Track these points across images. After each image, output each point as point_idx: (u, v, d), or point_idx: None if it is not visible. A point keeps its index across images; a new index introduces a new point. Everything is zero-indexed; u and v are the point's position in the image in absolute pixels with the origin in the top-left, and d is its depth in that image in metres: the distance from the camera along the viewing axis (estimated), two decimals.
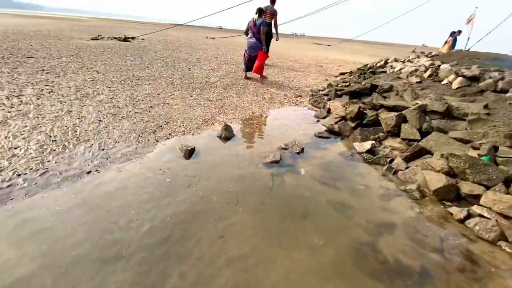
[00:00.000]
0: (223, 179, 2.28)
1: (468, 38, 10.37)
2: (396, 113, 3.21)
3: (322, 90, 5.68)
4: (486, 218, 1.90)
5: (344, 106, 4.32)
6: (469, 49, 8.78)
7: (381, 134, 3.21)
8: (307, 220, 1.89)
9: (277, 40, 6.08)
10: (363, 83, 4.69)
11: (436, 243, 1.78)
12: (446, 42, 9.41)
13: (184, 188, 2.11)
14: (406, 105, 3.51)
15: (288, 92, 5.36)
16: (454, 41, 9.18)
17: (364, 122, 3.61)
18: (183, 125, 3.25)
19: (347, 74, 7.24)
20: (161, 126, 3.15)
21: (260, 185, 2.26)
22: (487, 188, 2.09)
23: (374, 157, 2.82)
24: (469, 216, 1.95)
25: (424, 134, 3.00)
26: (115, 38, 10.47)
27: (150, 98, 4.05)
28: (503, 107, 3.07)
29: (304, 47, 17.59)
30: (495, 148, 2.44)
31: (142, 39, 11.33)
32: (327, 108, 4.38)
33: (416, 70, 4.93)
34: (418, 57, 6.44)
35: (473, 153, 2.51)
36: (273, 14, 5.66)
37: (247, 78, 5.75)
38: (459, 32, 9.27)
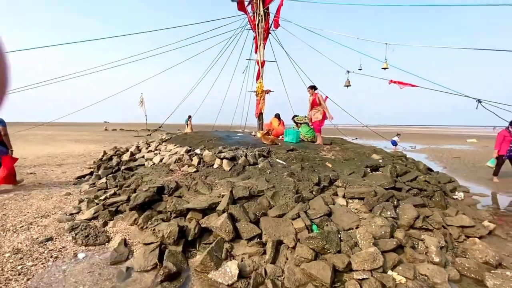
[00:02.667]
0: None
1: (146, 115, 14.95)
2: (225, 216, 2.95)
3: (78, 213, 3.86)
4: (367, 278, 2.27)
5: (145, 227, 3.22)
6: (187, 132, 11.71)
7: (226, 245, 2.75)
8: None
9: None
10: (144, 189, 3.82)
11: None
12: (187, 124, 12.54)
13: None
14: (216, 200, 3.39)
15: (16, 240, 2.94)
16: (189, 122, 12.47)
17: (189, 239, 2.92)
18: None
19: (91, 177, 5.65)
20: None
21: None
22: (339, 252, 2.53)
23: (251, 282, 2.31)
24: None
25: (255, 223, 3.04)
26: None
27: None
28: (272, 177, 4.05)
29: None
30: (306, 213, 3.09)
31: None
32: (121, 240, 3.01)
33: (180, 159, 5.04)
34: (160, 143, 6.70)
35: (298, 224, 2.97)
36: None
37: None
38: (190, 116, 12.49)
